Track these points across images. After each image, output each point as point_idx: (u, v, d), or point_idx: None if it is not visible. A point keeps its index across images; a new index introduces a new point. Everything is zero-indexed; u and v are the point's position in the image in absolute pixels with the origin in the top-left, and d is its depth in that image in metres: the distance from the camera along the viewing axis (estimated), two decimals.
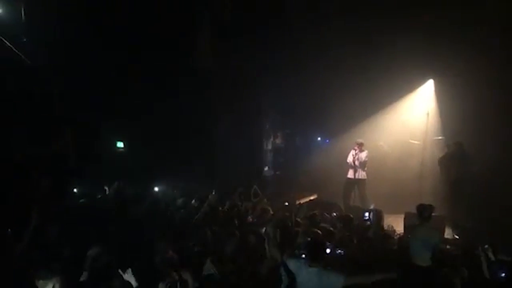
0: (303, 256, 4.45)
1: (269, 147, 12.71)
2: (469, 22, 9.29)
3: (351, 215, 7.45)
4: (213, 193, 7.54)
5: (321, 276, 4.02)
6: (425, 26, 9.66)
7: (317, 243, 4.56)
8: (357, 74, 10.33)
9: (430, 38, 9.67)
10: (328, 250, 4.91)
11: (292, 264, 4.27)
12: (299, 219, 6.86)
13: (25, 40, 8.42)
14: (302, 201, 10.22)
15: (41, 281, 3.86)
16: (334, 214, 8.45)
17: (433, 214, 5.92)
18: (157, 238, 5.32)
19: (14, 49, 8.31)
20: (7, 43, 8.19)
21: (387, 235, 6.56)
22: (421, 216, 5.57)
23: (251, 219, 7.05)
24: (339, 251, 5.35)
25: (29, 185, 7.93)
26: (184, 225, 6.53)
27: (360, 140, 10.16)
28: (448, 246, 6.79)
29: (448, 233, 8.05)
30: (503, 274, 4.71)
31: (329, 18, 10.26)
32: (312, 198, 10.67)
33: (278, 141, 12.84)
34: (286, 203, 8.92)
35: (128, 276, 3.99)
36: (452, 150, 9.60)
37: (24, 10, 8.44)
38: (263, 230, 5.74)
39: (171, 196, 8.27)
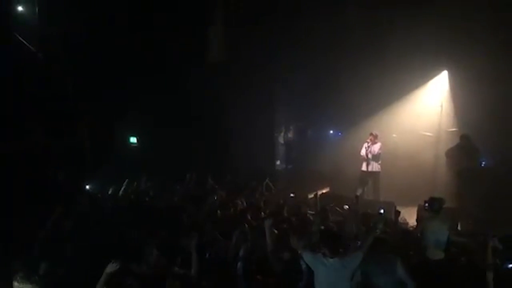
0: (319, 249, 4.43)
1: (281, 140, 12.68)
2: (483, 10, 9.07)
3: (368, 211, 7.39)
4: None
5: (343, 263, 4.12)
6: (439, 15, 9.47)
7: (334, 234, 4.61)
8: (370, 66, 10.21)
9: (444, 28, 9.48)
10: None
11: (309, 258, 4.29)
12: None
13: (40, 37, 8.58)
14: (314, 194, 10.22)
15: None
16: (346, 207, 8.43)
17: (445, 206, 5.88)
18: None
19: (30, 46, 8.47)
20: (23, 40, 8.35)
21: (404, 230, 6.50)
22: (431, 209, 5.54)
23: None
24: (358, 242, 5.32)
25: (46, 178, 8.11)
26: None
27: (374, 132, 10.09)
28: (461, 238, 6.72)
29: (461, 225, 7.99)
30: (510, 265, 4.60)
31: (341, 8, 10.15)
32: (324, 191, 10.63)
33: (290, 134, 12.80)
34: (292, 195, 8.92)
35: None
36: (460, 142, 9.49)
37: (38, 7, 8.58)
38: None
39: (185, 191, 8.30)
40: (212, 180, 8.50)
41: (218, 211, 6.69)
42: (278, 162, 12.51)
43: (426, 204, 5.72)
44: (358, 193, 9.83)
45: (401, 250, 5.27)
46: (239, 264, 4.54)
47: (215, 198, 7.64)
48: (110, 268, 4.02)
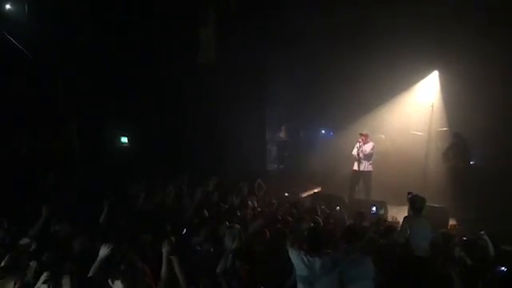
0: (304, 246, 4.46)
1: (273, 140, 12.70)
2: (475, 10, 9.14)
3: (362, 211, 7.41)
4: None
5: (323, 263, 4.11)
6: (430, 15, 9.52)
7: (317, 233, 4.61)
8: (361, 67, 10.26)
9: (435, 28, 9.54)
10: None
11: (293, 254, 4.31)
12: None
13: (29, 36, 8.49)
14: (306, 194, 10.26)
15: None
16: (338, 207, 8.46)
17: (436, 205, 5.92)
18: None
19: (19, 45, 8.39)
20: (12, 39, 8.27)
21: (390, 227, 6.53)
22: (413, 208, 5.60)
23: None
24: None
25: (35, 179, 8.02)
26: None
27: (364, 132, 10.11)
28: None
29: (450, 224, 8.04)
30: (502, 268, 4.48)
31: (332, 8, 10.18)
32: (315, 191, 10.67)
33: (282, 134, 12.83)
34: (286, 194, 8.95)
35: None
36: (452, 141, 9.53)
37: (27, 6, 8.50)
38: None
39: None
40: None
41: (206, 211, 6.66)
42: (269, 162, 12.53)
43: (409, 196, 5.75)
44: (356, 195, 9.94)
45: (387, 247, 5.32)
46: (229, 257, 4.54)
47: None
48: (103, 251, 4.00)
